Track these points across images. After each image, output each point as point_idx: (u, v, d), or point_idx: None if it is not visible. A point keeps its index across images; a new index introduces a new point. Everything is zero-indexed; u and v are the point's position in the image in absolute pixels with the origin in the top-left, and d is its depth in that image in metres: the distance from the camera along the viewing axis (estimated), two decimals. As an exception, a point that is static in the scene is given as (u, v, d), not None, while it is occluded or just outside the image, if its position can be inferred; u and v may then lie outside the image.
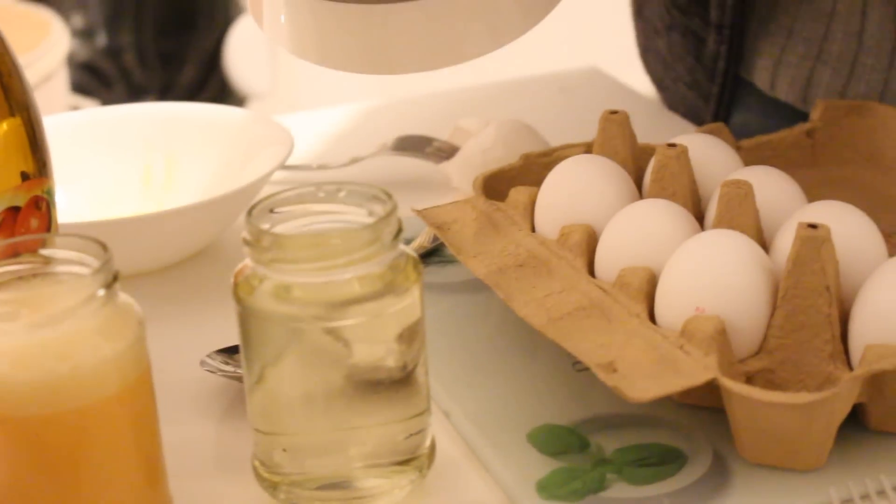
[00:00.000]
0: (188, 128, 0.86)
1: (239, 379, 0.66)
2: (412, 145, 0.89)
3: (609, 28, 1.30)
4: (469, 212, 0.73)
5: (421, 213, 0.73)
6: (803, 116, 0.86)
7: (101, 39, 2.15)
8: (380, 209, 0.57)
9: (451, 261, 0.78)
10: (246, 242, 0.57)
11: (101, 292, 0.53)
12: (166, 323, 0.73)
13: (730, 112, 0.91)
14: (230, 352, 0.68)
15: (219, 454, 0.64)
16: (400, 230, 0.57)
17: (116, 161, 0.86)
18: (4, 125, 0.62)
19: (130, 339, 0.54)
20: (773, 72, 0.87)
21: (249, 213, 0.57)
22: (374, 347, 0.58)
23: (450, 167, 0.86)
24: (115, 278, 0.54)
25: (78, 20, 2.15)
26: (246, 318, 0.57)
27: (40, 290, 0.54)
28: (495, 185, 0.77)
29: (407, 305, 0.57)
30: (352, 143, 0.95)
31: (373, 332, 0.57)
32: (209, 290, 0.77)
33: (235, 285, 0.58)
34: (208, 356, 0.68)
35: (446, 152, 0.87)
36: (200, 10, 2.19)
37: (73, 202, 0.83)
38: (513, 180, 0.77)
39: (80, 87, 2.04)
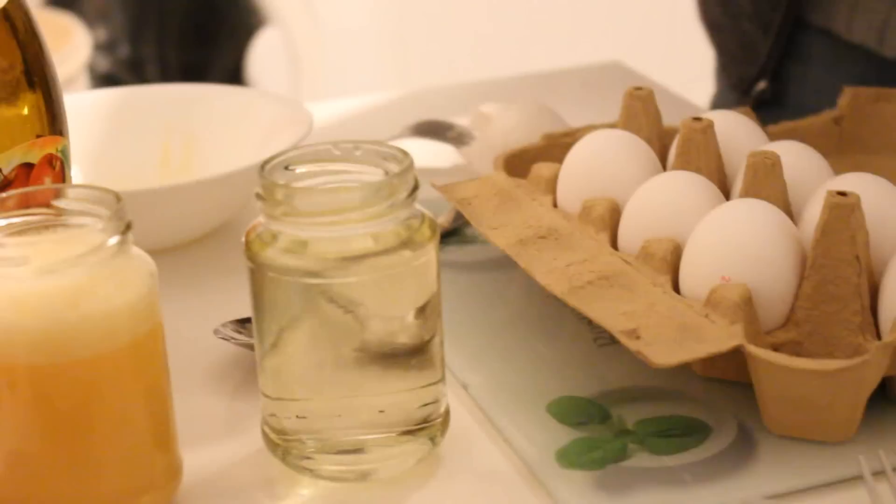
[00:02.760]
0: (208, 109, 0.85)
1: (251, 347, 0.64)
2: (433, 130, 0.88)
3: (632, 23, 1.29)
4: (490, 188, 0.72)
5: (441, 189, 0.72)
6: (874, 62, 0.83)
7: (124, 51, 2.15)
8: (396, 168, 0.56)
9: (471, 241, 0.77)
10: (259, 197, 0.55)
11: (113, 241, 0.52)
12: (181, 298, 0.72)
13: (788, 53, 0.89)
14: (243, 322, 0.67)
15: (230, 422, 0.62)
16: (416, 188, 0.56)
17: (135, 142, 0.85)
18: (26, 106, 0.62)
19: (142, 291, 0.53)
20: (849, 15, 0.85)
21: (262, 168, 0.56)
22: (390, 312, 0.56)
23: (471, 151, 0.85)
24: (128, 228, 0.53)
25: (101, 33, 2.16)
26: (258, 276, 0.56)
27: (51, 239, 0.53)
28: (517, 165, 0.75)
29: (421, 264, 0.56)
30: (372, 128, 0.94)
31: (387, 292, 0.56)
32: (225, 267, 0.76)
33: (247, 243, 0.56)
34: (221, 325, 0.67)
35: (467, 137, 0.86)
36: (223, 23, 2.20)
37: (90, 182, 0.82)
38: (534, 160, 0.76)
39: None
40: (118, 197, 0.53)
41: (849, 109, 0.81)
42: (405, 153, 0.57)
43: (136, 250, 0.54)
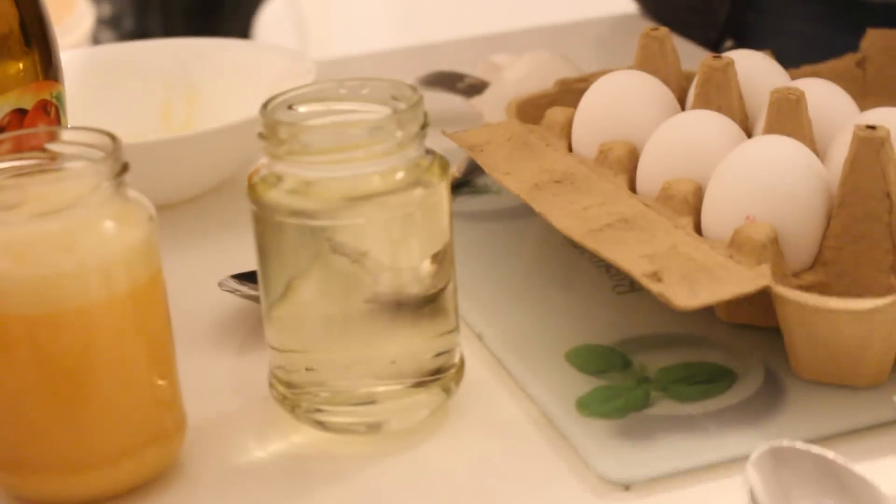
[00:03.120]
0: (209, 63, 0.83)
1: (256, 300, 0.62)
2: (442, 81, 0.85)
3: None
4: (503, 133, 0.69)
5: (453, 136, 0.70)
6: (830, 3, 0.80)
7: (129, 24, 2.13)
8: (404, 106, 0.54)
9: (483, 191, 0.74)
10: (261, 137, 0.53)
11: (108, 182, 0.50)
12: (184, 253, 0.69)
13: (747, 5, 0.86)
14: (248, 277, 0.64)
15: (237, 375, 0.60)
16: (425, 124, 0.54)
17: (136, 97, 0.82)
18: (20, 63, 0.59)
19: (140, 236, 0.51)
20: None
21: (264, 107, 0.54)
22: (401, 261, 0.54)
23: (482, 101, 0.82)
24: (124, 169, 0.50)
25: (106, 8, 2.13)
26: (263, 221, 0.53)
27: (44, 181, 0.51)
28: (530, 111, 0.73)
29: (432, 204, 0.53)
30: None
31: (398, 237, 0.53)
32: (228, 222, 0.73)
33: (250, 186, 0.54)
34: (226, 279, 0.64)
35: (478, 87, 0.83)
36: (229, -5, 2.17)
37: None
38: (547, 106, 0.73)
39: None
40: (114, 138, 0.51)
41: (872, 51, 0.79)
42: (414, 89, 0.54)
43: (133, 193, 0.51)
